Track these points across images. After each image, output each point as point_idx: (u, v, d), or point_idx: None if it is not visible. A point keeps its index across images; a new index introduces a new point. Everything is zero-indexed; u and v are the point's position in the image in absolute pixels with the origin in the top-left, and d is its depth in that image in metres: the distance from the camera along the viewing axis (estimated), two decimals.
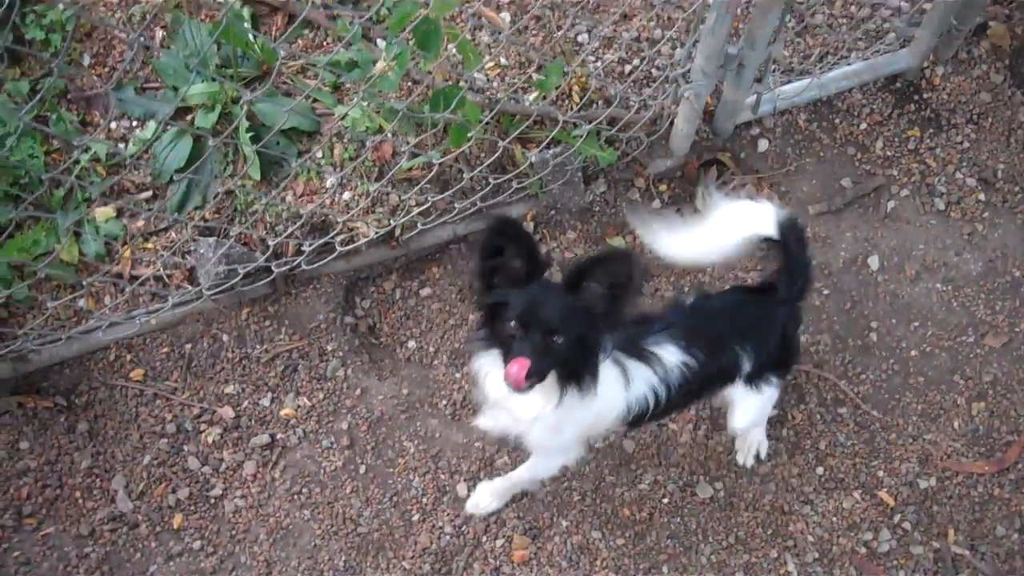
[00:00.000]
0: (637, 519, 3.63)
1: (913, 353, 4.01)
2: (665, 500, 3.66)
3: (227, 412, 3.70)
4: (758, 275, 4.01)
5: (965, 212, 4.30)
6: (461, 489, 3.64)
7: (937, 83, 4.52)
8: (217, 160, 3.94)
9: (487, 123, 3.80)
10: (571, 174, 4.02)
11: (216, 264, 3.66)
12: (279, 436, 3.70)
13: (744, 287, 3.75)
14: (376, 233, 3.85)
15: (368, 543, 3.58)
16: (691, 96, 3.88)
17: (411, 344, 3.91)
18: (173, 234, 3.88)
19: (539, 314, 2.60)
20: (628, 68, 4.35)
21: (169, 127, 3.89)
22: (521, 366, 2.53)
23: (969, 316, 4.09)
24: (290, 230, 3.77)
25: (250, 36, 4.05)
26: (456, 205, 3.86)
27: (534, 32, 4.42)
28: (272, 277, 3.78)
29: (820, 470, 3.76)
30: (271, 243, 3.64)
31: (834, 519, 3.67)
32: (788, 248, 3.13)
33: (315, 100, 4.07)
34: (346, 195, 3.95)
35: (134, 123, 4.05)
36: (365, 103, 3.95)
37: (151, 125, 4.00)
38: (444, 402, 3.80)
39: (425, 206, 3.84)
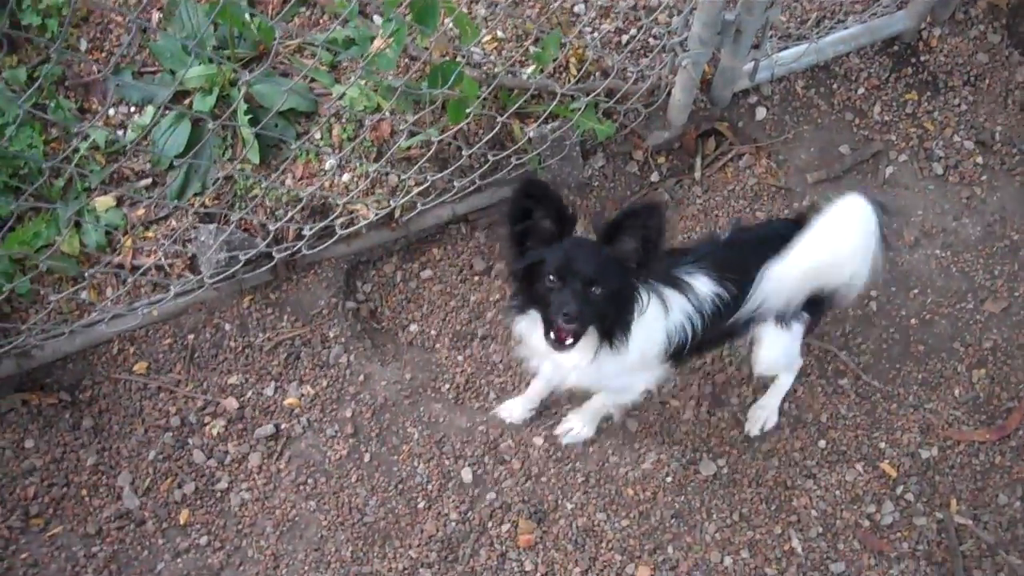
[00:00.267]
0: (641, 499, 3.66)
1: (913, 321, 4.02)
2: (669, 479, 3.69)
3: (231, 403, 3.70)
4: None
5: (963, 176, 4.29)
6: (466, 474, 3.66)
7: (934, 45, 4.47)
8: (216, 144, 3.90)
9: (485, 99, 3.76)
10: (569, 148, 4.00)
11: (217, 251, 3.64)
12: (283, 426, 3.70)
13: (780, 220, 3.64)
14: (376, 215, 3.83)
15: (374, 532, 3.60)
16: (688, 65, 3.84)
17: (413, 328, 3.91)
18: (174, 222, 3.85)
19: (576, 266, 2.65)
20: (625, 38, 4.30)
21: (167, 112, 3.85)
22: (562, 327, 2.67)
23: (968, 282, 4.10)
24: (290, 214, 3.75)
25: (247, 15, 3.99)
26: (455, 184, 3.83)
27: (531, 3, 4.36)
28: (273, 263, 3.76)
29: (822, 443, 3.79)
30: (272, 228, 3.62)
31: (837, 492, 3.71)
32: None
33: (312, 80, 4.03)
34: (345, 176, 3.92)
35: (132, 109, 4.00)
36: (363, 81, 3.91)
37: (149, 110, 3.96)
38: (447, 386, 3.81)
39: (424, 185, 3.82)
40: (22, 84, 3.89)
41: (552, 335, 2.75)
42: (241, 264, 3.68)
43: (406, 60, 4.08)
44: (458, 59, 3.64)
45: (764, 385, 3.81)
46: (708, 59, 3.92)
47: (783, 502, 3.68)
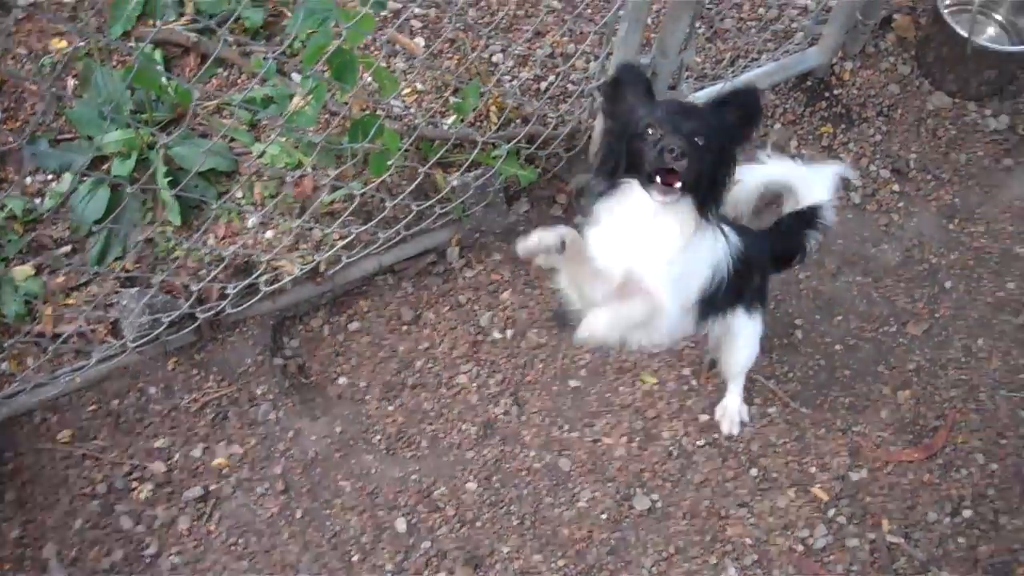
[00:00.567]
0: (577, 538, 3.65)
1: (838, 347, 4.08)
2: (603, 516, 3.69)
3: (158, 467, 3.65)
4: None
5: (881, 204, 4.39)
6: (400, 524, 3.63)
7: (847, 78, 4.60)
8: (136, 208, 3.91)
9: (407, 150, 3.79)
10: (493, 195, 4.04)
11: (139, 315, 3.62)
12: (212, 487, 3.66)
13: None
14: (301, 270, 3.84)
15: None
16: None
17: (342, 381, 3.91)
18: (95, 287, 3.83)
19: (678, 119, 2.64)
20: (544, 85, 4.38)
21: (86, 178, 3.84)
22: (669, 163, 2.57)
23: (890, 306, 4.17)
24: (213, 274, 3.74)
25: (163, 79, 4.02)
26: (380, 235, 3.86)
27: (449, 55, 4.43)
28: (197, 324, 3.75)
29: (754, 471, 3.82)
30: (195, 289, 3.62)
31: (770, 519, 3.73)
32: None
33: (232, 139, 4.05)
34: (268, 233, 3.94)
35: (50, 176, 4.00)
36: (283, 139, 3.94)
37: (67, 177, 3.95)
38: (378, 437, 3.80)
39: (349, 239, 3.84)
40: None
41: (658, 179, 2.61)
42: (164, 326, 3.67)
43: (326, 116, 4.12)
44: (378, 112, 3.69)
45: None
46: None
47: (717, 532, 3.70)
